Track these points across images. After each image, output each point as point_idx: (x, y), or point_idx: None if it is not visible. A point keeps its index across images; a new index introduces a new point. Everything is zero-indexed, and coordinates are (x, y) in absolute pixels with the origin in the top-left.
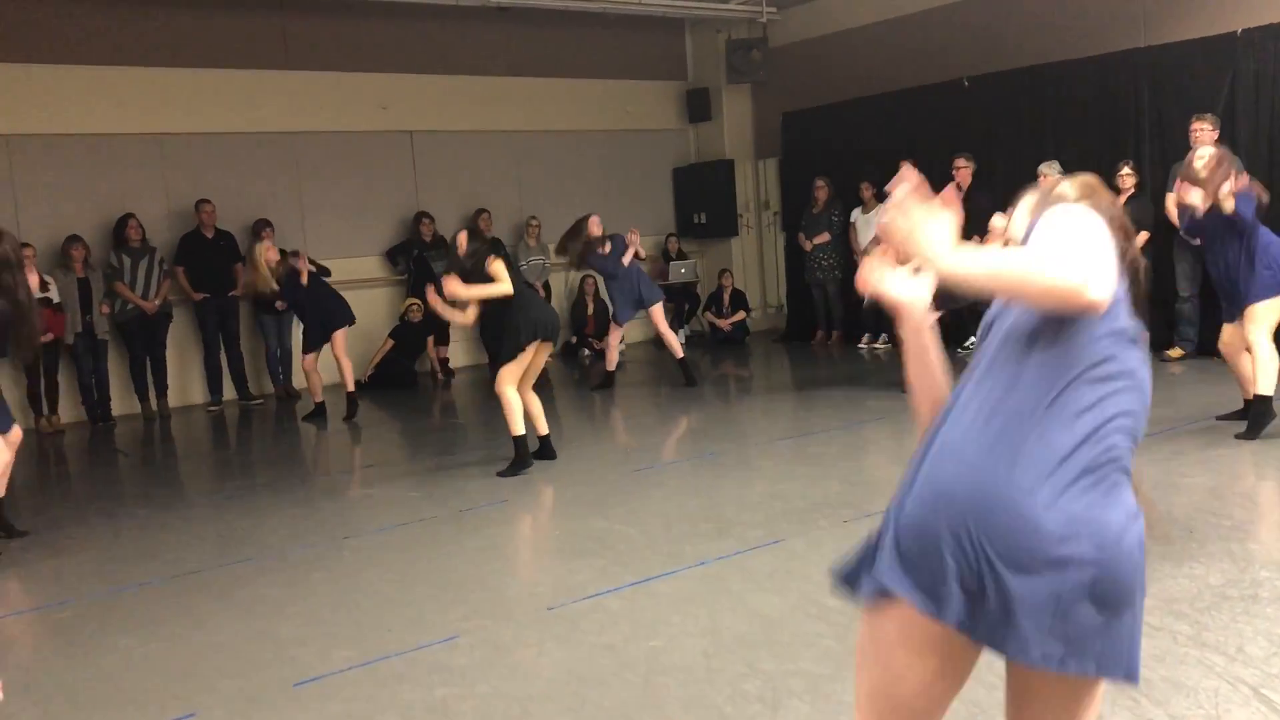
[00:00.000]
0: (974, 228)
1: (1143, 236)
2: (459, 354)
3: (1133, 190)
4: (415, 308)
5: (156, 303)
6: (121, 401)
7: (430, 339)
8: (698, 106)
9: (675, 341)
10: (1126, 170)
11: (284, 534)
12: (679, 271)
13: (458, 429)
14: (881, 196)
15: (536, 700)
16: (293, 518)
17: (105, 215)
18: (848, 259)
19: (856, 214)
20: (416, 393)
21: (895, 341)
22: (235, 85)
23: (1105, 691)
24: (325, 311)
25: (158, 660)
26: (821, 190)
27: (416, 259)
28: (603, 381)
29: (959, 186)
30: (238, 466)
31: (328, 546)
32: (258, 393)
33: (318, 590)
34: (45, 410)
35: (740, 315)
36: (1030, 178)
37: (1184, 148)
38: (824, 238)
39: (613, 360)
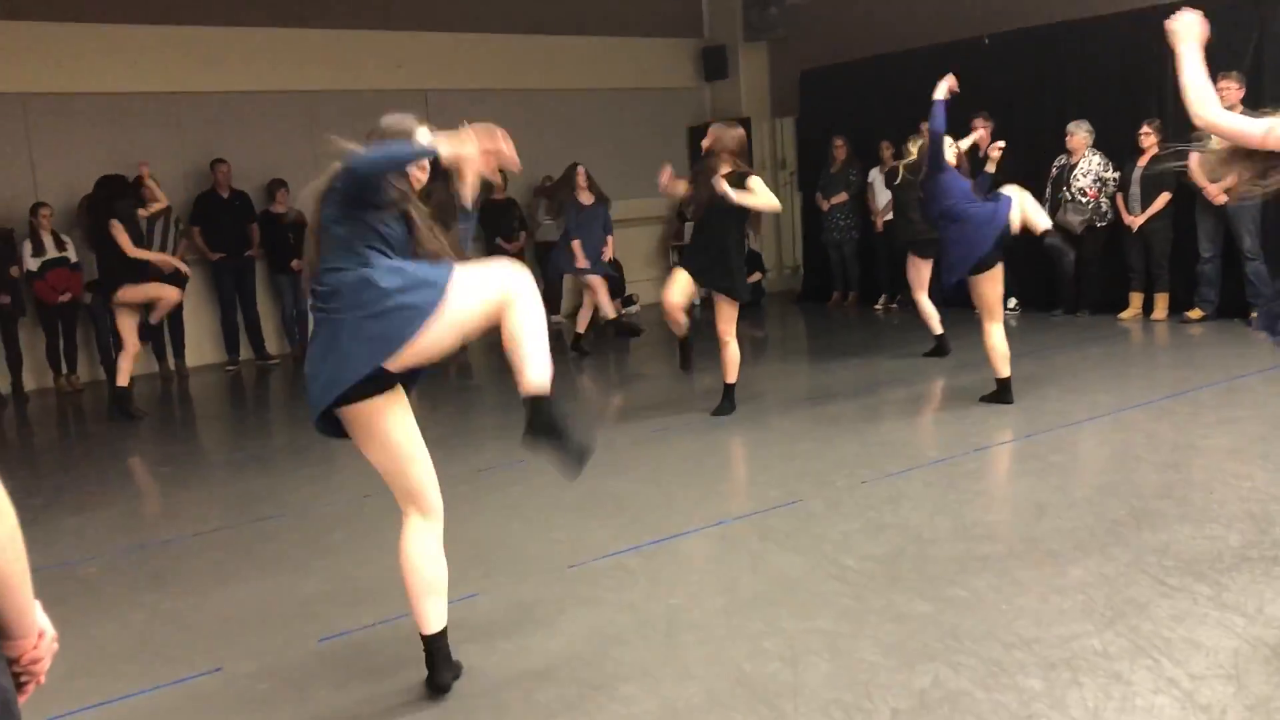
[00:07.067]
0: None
1: (1164, 197)
2: None
3: (1155, 150)
4: None
5: (175, 262)
6: (139, 361)
7: None
8: (714, 64)
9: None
10: (1146, 129)
11: (304, 493)
12: None
13: (473, 389)
14: (899, 155)
15: (559, 656)
16: (312, 477)
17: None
18: (865, 219)
19: (874, 173)
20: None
21: (907, 303)
22: (251, 43)
23: (1123, 650)
24: None
25: (184, 616)
26: (840, 149)
27: None
28: (619, 330)
29: (977, 146)
30: (255, 426)
31: (348, 505)
32: (274, 352)
33: (340, 548)
34: (64, 370)
35: (756, 276)
36: (1050, 137)
37: None
38: (842, 198)
39: (607, 307)
